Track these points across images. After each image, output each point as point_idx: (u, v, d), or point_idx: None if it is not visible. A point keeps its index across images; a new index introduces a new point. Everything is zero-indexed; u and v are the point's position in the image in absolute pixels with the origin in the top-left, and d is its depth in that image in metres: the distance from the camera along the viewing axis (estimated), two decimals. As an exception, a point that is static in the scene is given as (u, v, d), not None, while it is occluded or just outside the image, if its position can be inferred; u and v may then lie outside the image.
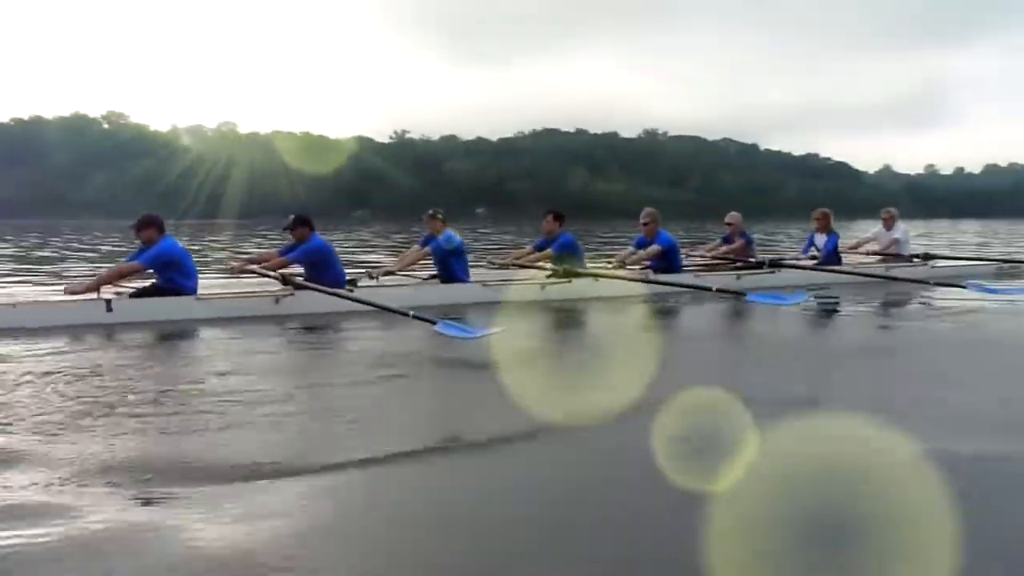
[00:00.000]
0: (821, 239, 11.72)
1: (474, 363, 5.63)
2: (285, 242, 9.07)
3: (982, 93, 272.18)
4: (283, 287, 8.08)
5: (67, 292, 7.72)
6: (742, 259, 11.15)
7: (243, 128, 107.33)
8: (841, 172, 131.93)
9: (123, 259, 8.68)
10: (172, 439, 3.80)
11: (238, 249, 22.00)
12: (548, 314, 8.52)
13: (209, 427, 3.98)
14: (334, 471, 3.40)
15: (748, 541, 2.70)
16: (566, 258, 9.65)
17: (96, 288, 7.63)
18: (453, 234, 9.23)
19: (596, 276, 9.47)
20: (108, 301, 7.47)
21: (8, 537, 2.70)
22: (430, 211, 9.44)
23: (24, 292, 9.56)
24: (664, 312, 8.60)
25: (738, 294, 7.96)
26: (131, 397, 4.59)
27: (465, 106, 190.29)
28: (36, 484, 3.18)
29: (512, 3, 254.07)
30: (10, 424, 3.98)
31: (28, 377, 5.05)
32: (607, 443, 3.81)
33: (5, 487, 3.16)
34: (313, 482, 3.27)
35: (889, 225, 12.46)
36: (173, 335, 6.99)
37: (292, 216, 8.84)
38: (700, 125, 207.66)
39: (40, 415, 4.14)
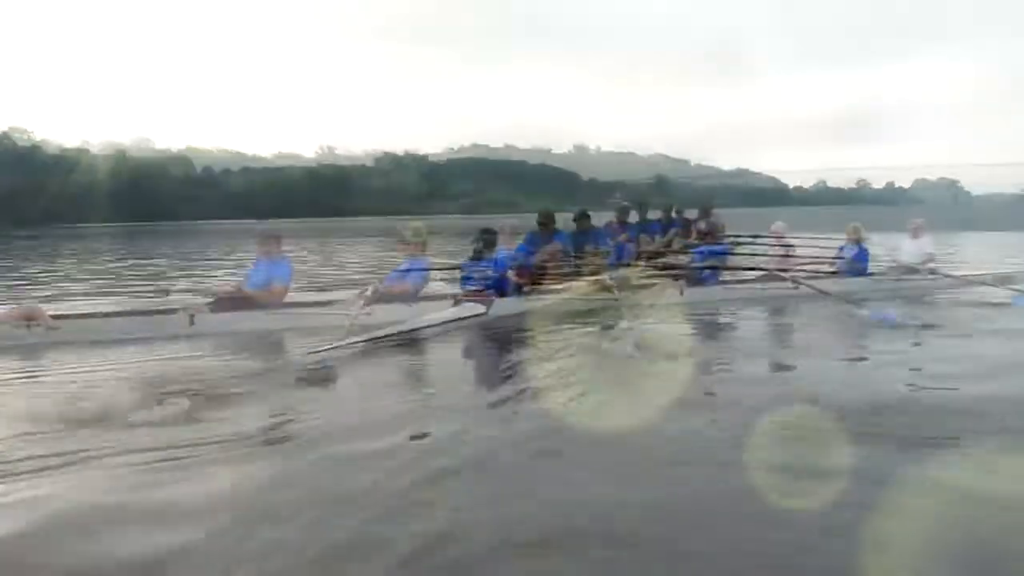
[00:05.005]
0: (852, 250, 11.80)
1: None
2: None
3: (915, 110, 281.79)
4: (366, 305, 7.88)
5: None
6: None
7: (159, 144, 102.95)
8: (770, 186, 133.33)
9: None
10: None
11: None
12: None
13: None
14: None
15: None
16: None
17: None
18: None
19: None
20: (191, 315, 7.79)
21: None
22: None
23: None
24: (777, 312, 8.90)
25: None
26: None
27: (397, 122, 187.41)
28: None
29: (455, 19, 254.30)
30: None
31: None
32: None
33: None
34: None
35: (918, 235, 12.05)
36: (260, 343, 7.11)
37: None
38: (634, 141, 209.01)
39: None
